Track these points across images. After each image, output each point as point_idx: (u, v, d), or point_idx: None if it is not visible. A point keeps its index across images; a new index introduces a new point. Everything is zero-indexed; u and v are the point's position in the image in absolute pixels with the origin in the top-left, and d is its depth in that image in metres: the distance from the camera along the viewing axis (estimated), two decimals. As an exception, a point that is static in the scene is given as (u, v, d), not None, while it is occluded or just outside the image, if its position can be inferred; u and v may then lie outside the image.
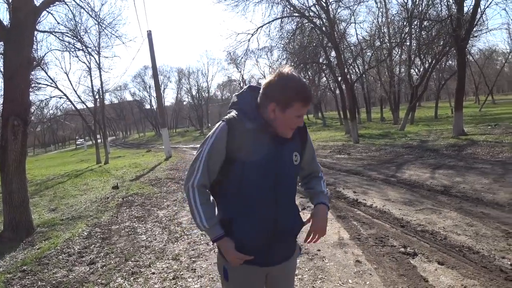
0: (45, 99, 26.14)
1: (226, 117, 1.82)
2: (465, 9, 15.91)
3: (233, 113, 1.82)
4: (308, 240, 1.94)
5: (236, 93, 1.96)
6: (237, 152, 1.74)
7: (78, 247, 5.62)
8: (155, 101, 59.36)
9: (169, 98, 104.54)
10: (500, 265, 3.70)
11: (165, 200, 8.58)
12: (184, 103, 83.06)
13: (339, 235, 5.05)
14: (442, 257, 3.99)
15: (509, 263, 3.72)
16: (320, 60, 24.24)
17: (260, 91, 1.82)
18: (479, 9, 15.67)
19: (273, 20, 19.78)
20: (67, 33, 14.25)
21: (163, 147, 22.54)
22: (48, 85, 21.60)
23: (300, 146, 1.95)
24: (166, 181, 11.57)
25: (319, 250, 4.56)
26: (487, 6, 17.73)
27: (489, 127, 17.49)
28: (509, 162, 8.87)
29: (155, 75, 22.40)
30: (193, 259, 4.68)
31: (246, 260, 1.80)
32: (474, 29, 19.16)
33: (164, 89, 71.12)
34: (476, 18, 16.07)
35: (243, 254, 1.79)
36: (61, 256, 5.25)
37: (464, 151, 11.22)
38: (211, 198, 1.86)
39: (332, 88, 37.14)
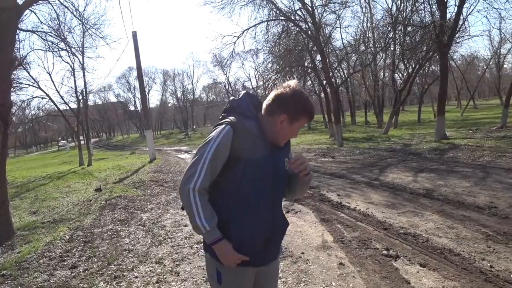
0: (27, 100, 25.72)
1: (228, 120, 1.85)
2: (448, 15, 16.24)
3: (235, 116, 1.87)
4: (292, 161, 1.86)
5: (235, 98, 2.00)
6: (240, 155, 1.79)
7: (59, 250, 5.52)
8: (140, 103, 58.94)
9: (153, 100, 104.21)
10: (480, 267, 3.77)
11: (148, 203, 8.50)
12: (169, 105, 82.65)
13: (323, 238, 5.07)
14: (424, 259, 4.05)
15: (488, 265, 3.79)
16: (306, 64, 24.44)
17: (270, 100, 1.89)
18: (461, 16, 16.00)
19: (259, 23, 19.87)
20: (51, 32, 14.00)
21: (147, 149, 22.35)
22: (30, 85, 21.22)
23: (288, 153, 2.04)
24: (150, 183, 11.46)
25: (303, 253, 4.58)
26: (469, 13, 18.14)
27: (471, 131, 17.83)
28: (489, 166, 9.05)
29: (140, 76, 22.22)
30: (177, 263, 4.64)
31: (243, 261, 1.84)
32: (457, 35, 19.56)
33: (149, 90, 70.64)
34: (459, 24, 16.39)
35: (241, 255, 1.82)
36: (42, 260, 5.16)
37: (446, 155, 11.41)
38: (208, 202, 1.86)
39: (317, 92, 37.42)
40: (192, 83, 72.85)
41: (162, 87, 75.43)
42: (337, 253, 4.49)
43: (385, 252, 4.36)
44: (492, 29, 44.57)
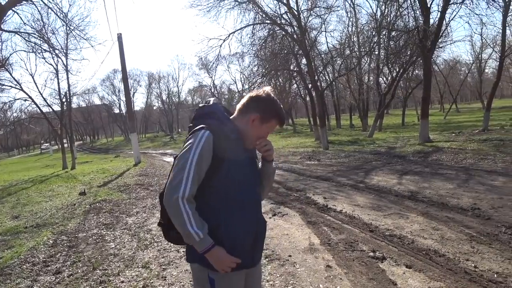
0: (9, 102, 25.20)
1: (205, 125, 1.85)
2: (431, 21, 16.50)
3: (212, 121, 1.89)
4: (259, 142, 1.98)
5: (206, 104, 2.02)
6: (223, 157, 1.82)
7: (43, 256, 5.43)
8: (124, 106, 58.46)
9: (138, 103, 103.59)
10: (464, 267, 3.82)
11: (134, 207, 8.42)
12: (154, 108, 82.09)
13: (310, 241, 5.09)
14: (410, 261, 4.09)
15: (473, 265, 3.86)
16: (291, 67, 24.50)
17: (244, 101, 1.98)
18: (444, 21, 16.31)
19: (245, 27, 19.87)
20: (34, 33, 13.84)
21: (132, 152, 22.15)
22: (12, 87, 20.94)
23: (256, 154, 2.12)
24: (135, 187, 11.36)
25: (290, 256, 4.59)
26: (452, 19, 18.62)
27: (453, 134, 18.13)
28: (472, 168, 9.20)
29: (124, 79, 22.00)
30: (164, 267, 4.61)
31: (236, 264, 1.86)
32: (440, 40, 19.95)
33: (134, 93, 70.11)
34: (441, 30, 16.69)
35: (235, 258, 1.82)
36: (25, 266, 5.06)
37: (430, 158, 11.57)
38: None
39: (303, 95, 37.65)
40: (177, 86, 72.61)
41: (147, 89, 74.96)
42: (324, 256, 4.51)
43: (371, 254, 4.40)
44: (473, 35, 45.33)
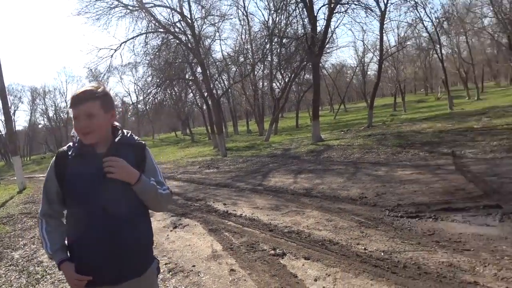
0: None
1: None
2: (318, 28, 17.75)
3: (65, 146, 1.97)
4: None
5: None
6: (63, 180, 1.87)
7: None
8: (4, 126, 52.75)
9: (21, 122, 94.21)
10: (356, 251, 4.15)
11: (20, 239, 7.55)
12: (40, 126, 75.35)
13: (212, 248, 5.05)
14: (308, 253, 4.29)
15: (363, 248, 4.20)
16: (186, 76, 24.34)
17: None
18: (330, 28, 17.68)
19: (137, 36, 19.20)
20: None
21: (15, 178, 20.02)
22: None
23: (133, 164, 1.86)
24: (20, 217, 10.20)
25: (194, 266, 4.50)
26: (337, 27, 20.32)
27: (342, 132, 19.60)
28: (359, 162, 10.02)
29: (3, 96, 19.77)
30: (57, 298, 4.20)
31: (91, 281, 1.79)
32: (326, 46, 21.47)
33: (15, 111, 63.50)
34: (328, 36, 18.04)
35: (81, 276, 1.79)
36: None
37: (322, 156, 12.32)
38: (61, 226, 1.96)
39: (199, 104, 37.49)
40: (65, 100, 67.48)
41: (31, 106, 68.37)
42: (227, 260, 4.50)
43: (272, 252, 4.51)
44: (356, 41, 49.82)
